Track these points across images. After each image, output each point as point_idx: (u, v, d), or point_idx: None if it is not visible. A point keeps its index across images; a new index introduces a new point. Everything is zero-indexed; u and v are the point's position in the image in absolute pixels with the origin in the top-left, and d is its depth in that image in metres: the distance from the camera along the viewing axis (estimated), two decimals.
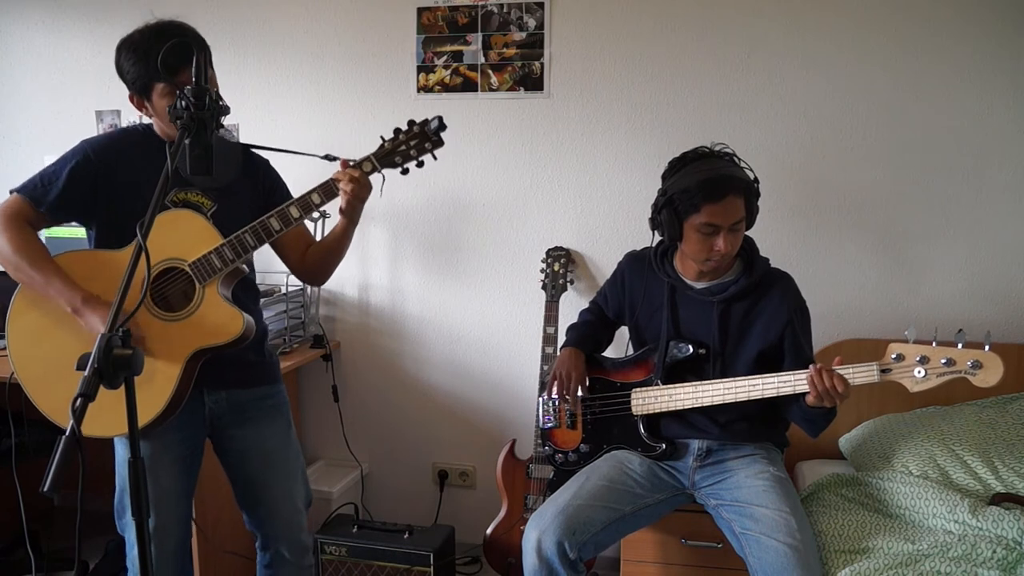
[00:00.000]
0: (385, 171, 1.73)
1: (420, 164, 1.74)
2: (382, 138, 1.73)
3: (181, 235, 1.67)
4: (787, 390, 1.78)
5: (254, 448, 1.84)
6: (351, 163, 1.70)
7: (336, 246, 1.85)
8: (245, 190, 1.83)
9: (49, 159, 3.31)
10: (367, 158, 1.71)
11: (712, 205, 1.78)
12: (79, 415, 1.02)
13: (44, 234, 1.73)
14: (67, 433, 1.01)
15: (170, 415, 1.67)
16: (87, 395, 1.03)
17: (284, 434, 1.89)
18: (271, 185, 1.89)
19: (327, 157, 1.79)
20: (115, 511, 1.77)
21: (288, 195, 1.91)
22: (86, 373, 1.05)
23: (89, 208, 1.71)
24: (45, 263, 1.63)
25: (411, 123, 1.72)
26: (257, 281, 1.97)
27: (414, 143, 1.72)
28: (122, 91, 1.76)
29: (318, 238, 2.30)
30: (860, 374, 1.71)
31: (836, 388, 1.70)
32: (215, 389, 1.78)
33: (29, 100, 3.07)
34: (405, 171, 1.74)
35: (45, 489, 1.00)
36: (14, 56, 3.06)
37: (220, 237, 1.66)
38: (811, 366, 1.74)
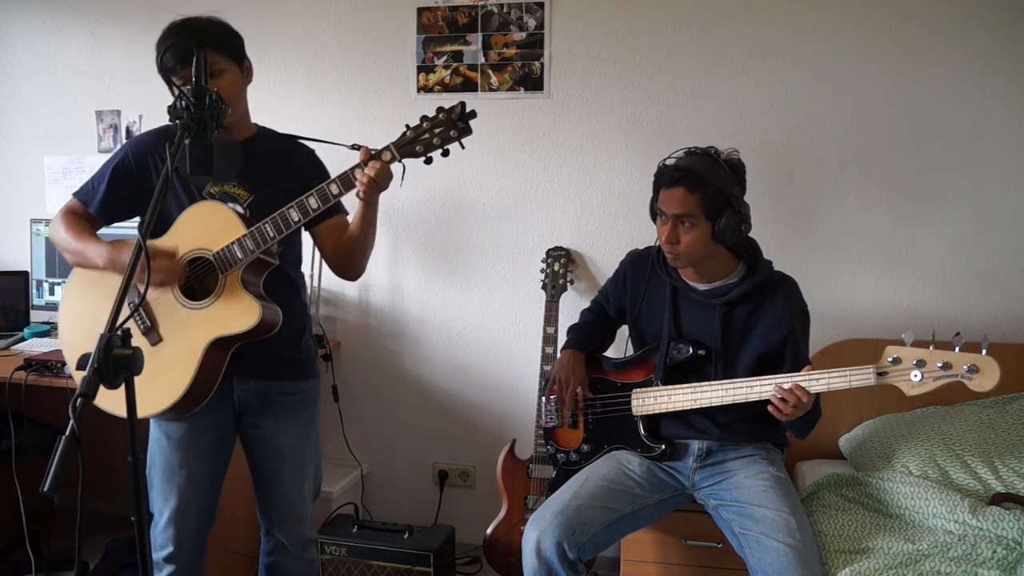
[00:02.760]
0: (408, 160, 1.68)
1: (445, 153, 1.69)
2: (407, 126, 1.69)
3: (210, 226, 1.70)
4: None
5: (270, 440, 1.85)
6: (373, 152, 1.68)
7: (358, 234, 1.81)
8: (284, 180, 1.81)
9: (49, 159, 3.33)
10: (387, 147, 1.68)
11: (663, 190, 1.85)
12: (79, 415, 1.02)
13: None
14: (67, 433, 1.01)
15: (194, 401, 1.68)
16: (87, 395, 1.03)
17: (304, 429, 1.88)
18: (312, 174, 1.85)
19: (354, 147, 1.76)
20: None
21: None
22: (86, 373, 1.05)
23: (134, 207, 1.79)
24: (86, 236, 1.74)
25: (439, 110, 1.67)
26: None
27: (439, 131, 1.66)
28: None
29: None
30: (857, 377, 1.70)
31: (801, 399, 1.71)
32: (245, 379, 1.80)
33: (29, 100, 3.07)
34: (429, 160, 1.69)
35: (45, 489, 1.00)
36: (14, 56, 3.06)
37: (244, 228, 1.67)
38: (775, 389, 1.75)
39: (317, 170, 1.89)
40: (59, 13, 2.98)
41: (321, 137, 1.90)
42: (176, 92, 1.65)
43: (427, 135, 1.67)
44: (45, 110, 3.05)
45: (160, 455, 1.77)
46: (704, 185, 1.80)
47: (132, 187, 1.75)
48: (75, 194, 1.81)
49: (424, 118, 1.68)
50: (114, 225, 1.86)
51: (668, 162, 1.89)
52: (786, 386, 1.73)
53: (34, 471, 1.82)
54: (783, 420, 1.77)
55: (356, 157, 1.71)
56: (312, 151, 1.91)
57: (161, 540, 1.78)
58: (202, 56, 1.39)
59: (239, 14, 2.79)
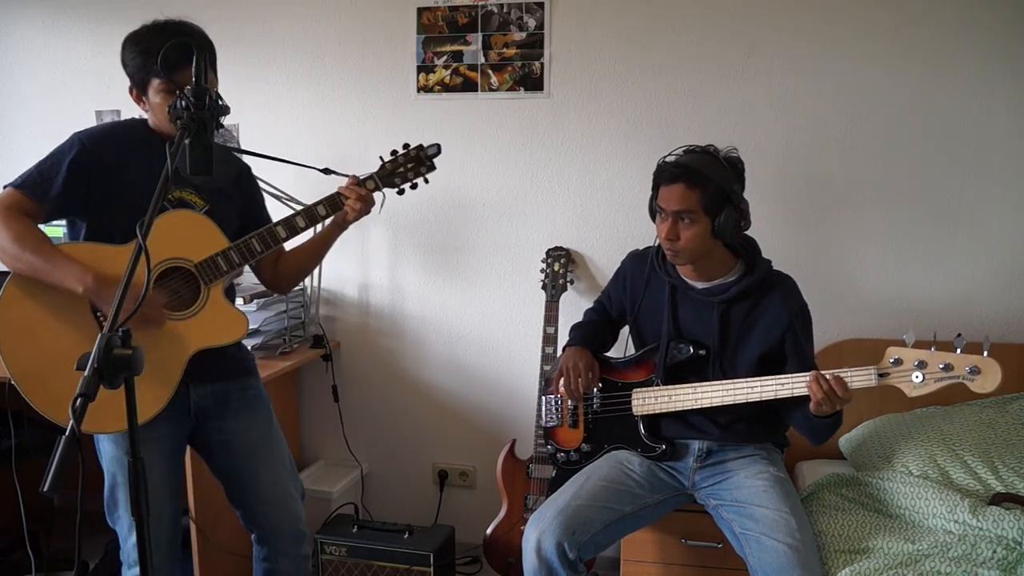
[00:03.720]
0: (385, 189, 1.84)
1: (414, 186, 1.89)
2: (381, 159, 1.84)
3: (186, 235, 1.68)
4: (786, 393, 1.78)
5: (238, 438, 1.85)
6: (359, 179, 1.75)
7: (318, 252, 1.93)
8: (234, 193, 1.86)
9: None
10: (370, 176, 1.81)
11: (663, 187, 1.86)
12: (79, 415, 1.02)
13: None
14: (67, 433, 1.01)
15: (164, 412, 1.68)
16: (87, 395, 1.03)
17: (267, 423, 1.91)
18: (251, 190, 1.94)
19: (326, 171, 1.85)
20: (105, 506, 1.78)
21: (262, 202, 1.98)
22: (86, 373, 1.05)
23: (85, 201, 1.68)
24: (48, 249, 1.59)
25: (406, 146, 1.84)
26: (255, 281, 2.02)
27: (411, 166, 1.86)
28: (122, 91, 1.77)
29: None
30: (858, 378, 1.70)
31: (835, 391, 1.69)
32: (202, 383, 1.78)
33: (29, 100, 3.06)
34: (401, 192, 1.87)
35: (45, 489, 1.00)
36: (14, 56, 3.06)
37: (226, 240, 1.69)
38: (810, 373, 1.73)
39: (256, 187, 1.98)
40: (59, 13, 2.98)
41: (315, 156, 1.98)
42: (154, 91, 1.66)
43: (401, 169, 1.86)
44: (45, 110, 3.05)
45: (121, 473, 1.72)
46: (704, 181, 1.81)
47: (86, 181, 1.66)
48: (16, 186, 1.63)
49: (395, 152, 1.85)
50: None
51: (668, 159, 1.90)
52: (827, 376, 1.72)
53: (34, 471, 1.82)
54: (815, 413, 1.75)
55: (323, 178, 1.87)
56: (247, 166, 1.96)
57: (135, 556, 1.73)
58: (203, 56, 1.38)
59: (239, 14, 2.81)
